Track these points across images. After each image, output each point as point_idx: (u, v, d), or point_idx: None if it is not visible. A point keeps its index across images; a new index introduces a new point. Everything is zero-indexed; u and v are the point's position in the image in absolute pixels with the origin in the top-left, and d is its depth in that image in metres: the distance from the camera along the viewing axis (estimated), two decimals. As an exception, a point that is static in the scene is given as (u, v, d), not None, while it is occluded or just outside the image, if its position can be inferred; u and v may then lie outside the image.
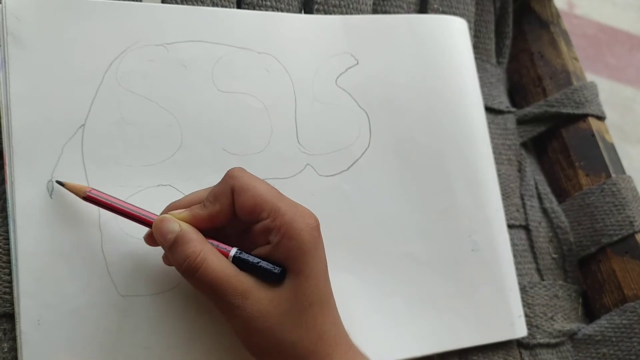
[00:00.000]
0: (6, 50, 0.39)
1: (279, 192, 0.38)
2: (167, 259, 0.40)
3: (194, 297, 0.41)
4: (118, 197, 0.39)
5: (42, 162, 0.39)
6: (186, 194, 0.42)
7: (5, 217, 0.39)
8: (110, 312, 0.39)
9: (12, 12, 0.39)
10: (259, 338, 0.36)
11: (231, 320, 0.37)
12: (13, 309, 0.38)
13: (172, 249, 0.36)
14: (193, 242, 0.36)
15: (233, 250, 0.37)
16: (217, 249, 0.37)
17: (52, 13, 0.40)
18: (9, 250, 0.39)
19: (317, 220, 0.37)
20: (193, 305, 0.41)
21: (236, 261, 0.37)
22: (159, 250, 0.40)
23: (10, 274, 0.38)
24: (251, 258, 0.37)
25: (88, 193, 0.38)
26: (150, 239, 0.39)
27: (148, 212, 0.38)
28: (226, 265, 0.36)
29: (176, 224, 0.37)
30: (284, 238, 0.36)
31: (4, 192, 0.39)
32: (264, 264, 0.36)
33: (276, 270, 0.36)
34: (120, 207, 0.38)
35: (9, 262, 0.38)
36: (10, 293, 0.38)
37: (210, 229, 0.38)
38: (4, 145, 0.39)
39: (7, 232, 0.39)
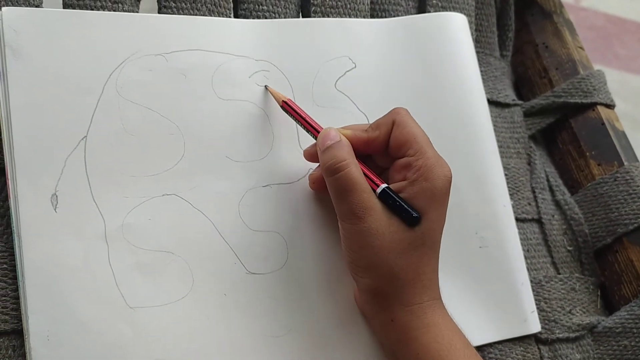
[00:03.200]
0: (4, 63, 0.39)
1: (430, 140, 0.41)
2: (310, 182, 0.45)
3: (204, 306, 0.41)
4: (305, 113, 0.44)
5: (45, 175, 0.39)
6: (193, 203, 0.42)
7: (11, 233, 0.39)
8: (120, 324, 0.39)
9: (9, 25, 0.39)
10: (365, 253, 0.40)
11: (347, 229, 0.40)
12: (21, 325, 0.38)
13: (326, 150, 0.41)
14: (344, 150, 0.40)
15: (383, 185, 0.40)
16: (370, 176, 0.41)
17: (50, 25, 0.40)
18: (14, 266, 0.38)
19: (451, 175, 0.40)
20: (203, 314, 0.41)
21: (382, 194, 0.40)
22: (166, 261, 0.41)
23: (17, 290, 0.38)
24: (397, 196, 0.40)
25: (285, 101, 0.44)
26: (309, 153, 0.44)
27: (320, 125, 0.43)
28: (362, 181, 0.40)
29: (338, 136, 0.41)
30: (421, 178, 0.40)
31: (8, 208, 0.39)
32: (405, 204, 0.40)
33: (415, 215, 0.39)
34: (305, 117, 0.44)
35: (15, 278, 0.38)
36: (18, 309, 0.38)
37: (363, 152, 0.42)
38: (5, 160, 0.39)
39: (12, 248, 0.39)
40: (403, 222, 0.40)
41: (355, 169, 0.40)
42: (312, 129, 0.43)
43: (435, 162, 0.40)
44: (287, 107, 0.44)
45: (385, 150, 0.43)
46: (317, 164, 0.44)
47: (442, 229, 0.42)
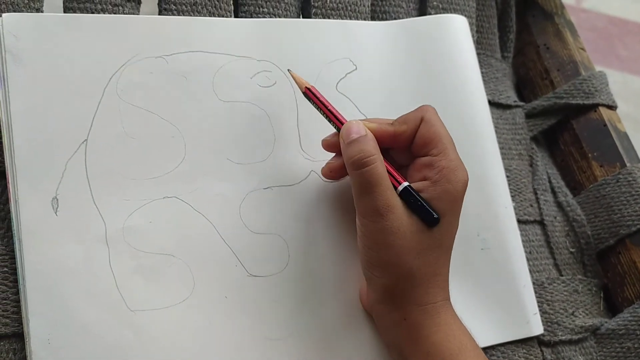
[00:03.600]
0: (5, 68, 0.39)
1: (454, 142, 0.41)
2: (327, 170, 0.44)
3: (205, 309, 0.41)
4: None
5: (46, 179, 0.39)
6: (194, 206, 0.42)
7: (11, 237, 0.39)
8: (120, 327, 0.39)
9: (9, 30, 0.39)
10: (384, 252, 0.39)
11: (367, 226, 0.39)
12: (22, 328, 0.38)
13: (352, 144, 0.40)
14: (371, 145, 0.40)
15: (405, 183, 0.40)
16: (393, 172, 0.40)
17: (50, 30, 0.40)
18: (15, 269, 0.38)
19: (468, 180, 0.41)
20: (204, 317, 0.41)
21: (404, 193, 0.40)
22: (167, 264, 0.41)
23: (17, 293, 0.38)
24: (418, 195, 0.40)
25: (308, 87, 0.43)
26: (328, 143, 0.43)
27: (343, 116, 0.42)
28: (387, 178, 0.39)
29: (364, 129, 0.41)
30: (443, 179, 0.40)
31: (9, 211, 0.39)
32: (427, 204, 0.40)
33: (435, 216, 0.39)
34: (328, 106, 0.43)
35: (16, 281, 0.38)
36: (19, 312, 0.38)
37: (387, 146, 0.42)
38: (6, 164, 0.39)
39: (13, 251, 0.39)
40: (422, 222, 0.39)
41: (381, 165, 0.39)
42: (335, 120, 0.42)
43: (457, 165, 0.40)
44: (311, 95, 0.43)
45: (409, 146, 0.42)
46: (330, 157, 0.44)
47: (456, 231, 0.42)
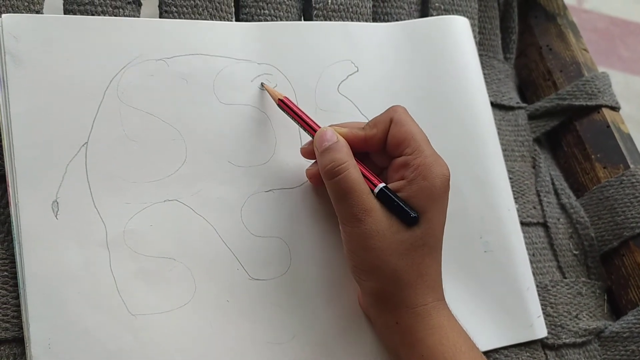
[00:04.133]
0: (5, 70, 0.39)
1: (428, 139, 0.41)
2: (308, 176, 0.45)
3: (206, 313, 0.41)
4: (301, 110, 0.44)
5: (46, 182, 0.39)
6: (195, 209, 0.42)
7: (11, 241, 0.39)
8: (121, 331, 0.39)
9: (9, 32, 0.39)
10: (367, 255, 0.39)
11: (348, 232, 0.40)
12: (22, 333, 0.38)
13: (324, 152, 0.40)
14: (343, 152, 0.40)
15: (381, 184, 0.40)
16: (368, 175, 0.40)
17: (51, 31, 0.40)
18: (15, 273, 0.38)
19: (449, 174, 0.40)
20: (206, 321, 0.41)
21: (380, 194, 0.40)
22: (168, 267, 0.40)
23: (18, 297, 0.38)
24: (395, 195, 0.40)
25: (281, 99, 0.44)
26: (306, 151, 0.44)
27: (317, 124, 0.43)
28: (362, 182, 0.39)
29: (335, 136, 0.41)
30: (419, 177, 0.39)
31: (9, 215, 0.39)
32: (403, 204, 0.39)
33: (413, 214, 0.39)
34: (301, 115, 0.43)
35: (16, 285, 0.38)
36: (19, 317, 0.38)
37: (360, 150, 0.42)
38: (6, 167, 0.39)
39: (13, 255, 0.38)
40: (402, 222, 0.39)
41: (354, 171, 0.39)
42: (308, 128, 0.43)
43: (434, 160, 0.40)
44: (284, 106, 0.44)
45: (383, 148, 0.42)
46: (314, 161, 0.44)
47: (443, 228, 0.41)
